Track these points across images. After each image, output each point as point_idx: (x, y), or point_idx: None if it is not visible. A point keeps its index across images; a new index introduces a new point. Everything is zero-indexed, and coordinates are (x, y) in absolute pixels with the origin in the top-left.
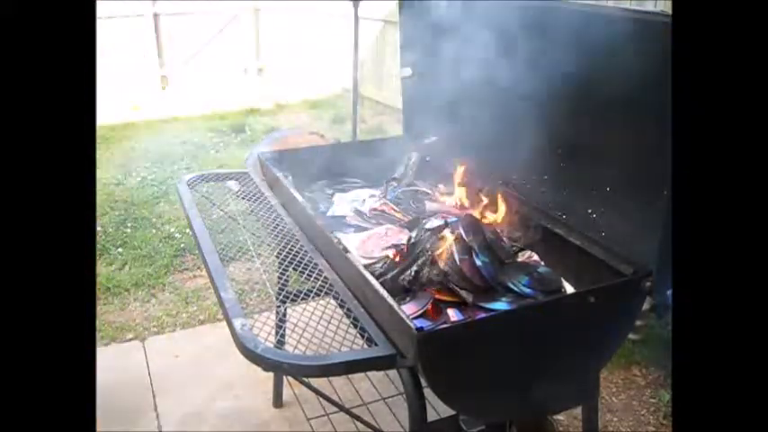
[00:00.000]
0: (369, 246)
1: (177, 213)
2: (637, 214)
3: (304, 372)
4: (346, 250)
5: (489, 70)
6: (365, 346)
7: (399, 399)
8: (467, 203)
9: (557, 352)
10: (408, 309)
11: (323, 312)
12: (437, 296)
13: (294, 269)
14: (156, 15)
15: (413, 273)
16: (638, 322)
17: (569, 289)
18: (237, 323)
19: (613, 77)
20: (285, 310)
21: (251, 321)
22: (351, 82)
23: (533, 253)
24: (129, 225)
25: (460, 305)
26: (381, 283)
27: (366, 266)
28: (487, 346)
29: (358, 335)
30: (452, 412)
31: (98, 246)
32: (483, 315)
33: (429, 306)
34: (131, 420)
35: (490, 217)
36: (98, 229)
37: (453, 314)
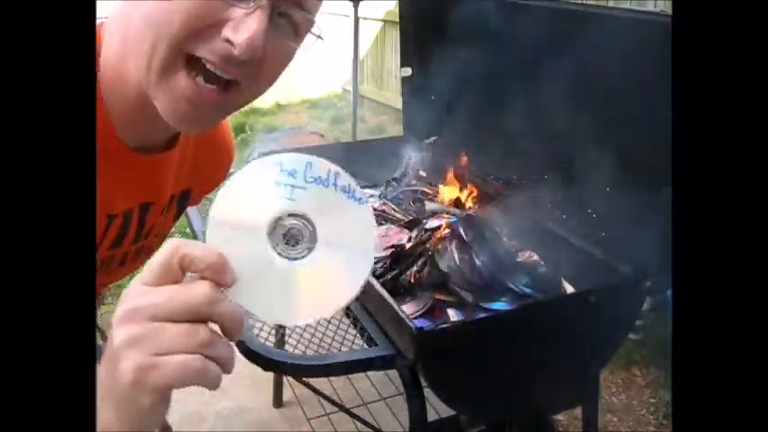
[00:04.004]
0: None
1: None
2: (637, 214)
3: (304, 372)
4: None
5: (489, 70)
6: (365, 346)
7: (399, 399)
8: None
9: (557, 352)
10: (408, 309)
11: None
12: (437, 296)
13: None
14: None
15: (413, 273)
16: (638, 322)
17: (569, 289)
18: None
19: (613, 77)
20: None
21: (251, 321)
22: (351, 82)
23: (533, 253)
24: None
25: (460, 305)
26: (381, 284)
27: None
28: (487, 346)
29: (358, 335)
30: (452, 412)
31: None
32: (483, 315)
33: (429, 306)
34: None
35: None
36: None
37: (453, 314)
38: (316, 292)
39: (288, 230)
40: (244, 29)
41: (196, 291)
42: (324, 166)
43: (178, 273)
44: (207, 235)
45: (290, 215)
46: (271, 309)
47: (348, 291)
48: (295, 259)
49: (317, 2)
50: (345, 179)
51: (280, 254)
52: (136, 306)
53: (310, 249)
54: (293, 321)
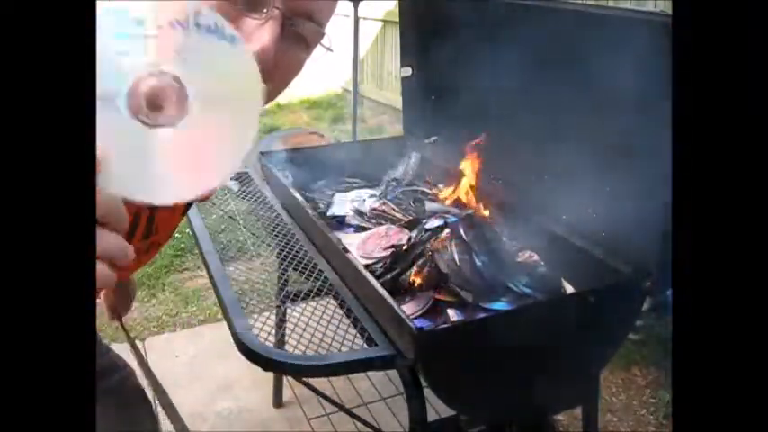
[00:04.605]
0: (369, 246)
1: None
2: (637, 214)
3: (304, 372)
4: (346, 250)
5: (488, 70)
6: (365, 346)
7: (399, 399)
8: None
9: (557, 352)
10: (408, 309)
11: (323, 312)
12: (437, 296)
13: (294, 269)
14: None
15: (413, 273)
16: (638, 322)
17: (569, 289)
18: (237, 323)
19: (613, 78)
20: (285, 310)
21: (251, 321)
22: (351, 82)
23: (533, 253)
24: None
25: (460, 305)
26: (381, 284)
27: (366, 266)
28: (487, 346)
29: (358, 335)
30: (452, 412)
31: None
32: (483, 315)
33: (429, 306)
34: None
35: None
36: None
37: (453, 314)
38: (194, 161)
39: (148, 92)
40: (255, 40)
41: None
42: (178, 5)
43: None
44: None
45: (148, 74)
46: (142, 186)
47: (233, 157)
48: (164, 126)
49: (327, 15)
50: (209, 16)
51: (144, 122)
52: None
53: (181, 112)
54: (170, 198)
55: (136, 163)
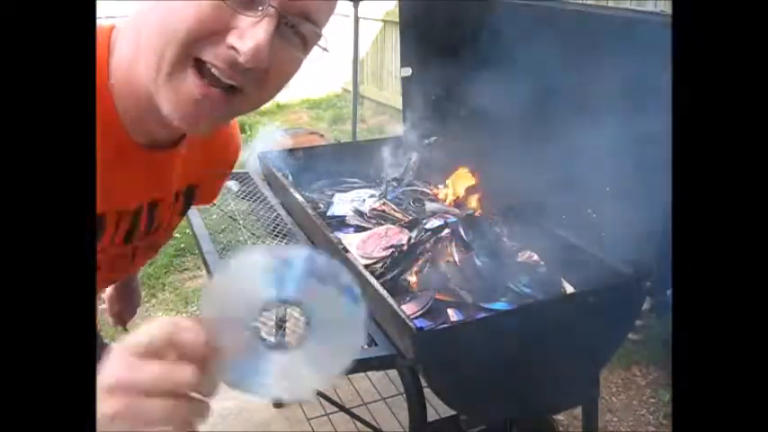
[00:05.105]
0: (369, 246)
1: None
2: (637, 213)
3: None
4: (346, 250)
5: (488, 70)
6: (365, 346)
7: (399, 399)
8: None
9: (557, 352)
10: (408, 309)
11: None
12: (437, 296)
13: None
14: None
15: (413, 273)
16: (638, 322)
17: (569, 289)
18: None
19: (613, 78)
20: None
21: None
22: (351, 82)
23: (533, 253)
24: None
25: (460, 305)
26: (381, 283)
27: (366, 266)
28: (487, 346)
29: None
30: (452, 412)
31: None
32: (483, 315)
33: (429, 306)
34: None
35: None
36: None
37: (453, 314)
38: (295, 378)
39: (278, 318)
40: (249, 37)
41: (181, 376)
42: (325, 264)
43: (165, 353)
44: (201, 310)
45: (283, 302)
46: (250, 387)
47: (319, 382)
48: (279, 349)
49: (325, 15)
50: (346, 277)
51: (265, 340)
52: (120, 381)
53: (298, 343)
54: (267, 400)
55: (248, 367)
